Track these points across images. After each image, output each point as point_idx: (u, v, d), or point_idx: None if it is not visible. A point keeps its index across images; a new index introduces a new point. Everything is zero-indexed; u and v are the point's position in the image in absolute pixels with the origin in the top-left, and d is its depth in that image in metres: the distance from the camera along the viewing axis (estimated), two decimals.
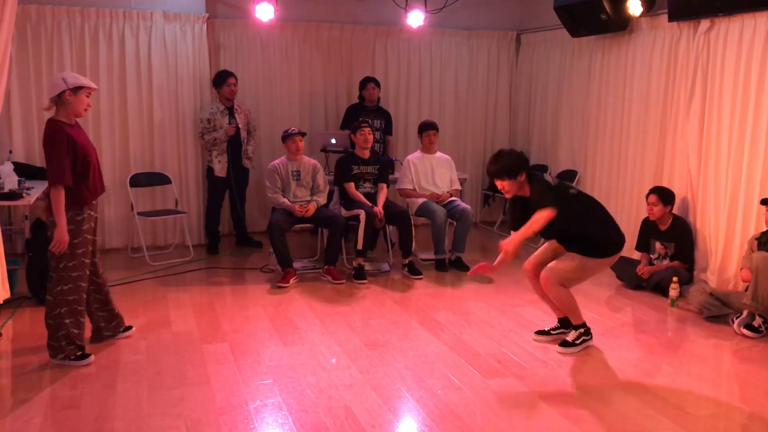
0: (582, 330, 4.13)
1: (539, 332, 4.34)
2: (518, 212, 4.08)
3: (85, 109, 3.67)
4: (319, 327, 4.47)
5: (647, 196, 5.37)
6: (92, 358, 3.80)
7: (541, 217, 3.77)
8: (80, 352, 3.78)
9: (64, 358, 3.73)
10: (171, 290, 5.22)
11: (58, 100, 3.58)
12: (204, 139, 6.22)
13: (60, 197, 3.55)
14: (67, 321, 3.71)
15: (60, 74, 3.68)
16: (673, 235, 5.31)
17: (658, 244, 5.38)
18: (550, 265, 4.09)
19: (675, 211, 5.46)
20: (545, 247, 4.27)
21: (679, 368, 3.88)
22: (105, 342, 4.13)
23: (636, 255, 5.70)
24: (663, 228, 5.34)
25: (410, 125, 7.50)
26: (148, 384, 3.56)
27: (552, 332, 4.31)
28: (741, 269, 4.69)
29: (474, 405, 3.38)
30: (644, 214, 5.61)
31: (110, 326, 4.13)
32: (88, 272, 3.80)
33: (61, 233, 3.58)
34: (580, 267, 4.00)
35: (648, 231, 5.47)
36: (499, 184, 3.95)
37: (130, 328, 4.25)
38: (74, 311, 3.74)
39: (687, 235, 5.32)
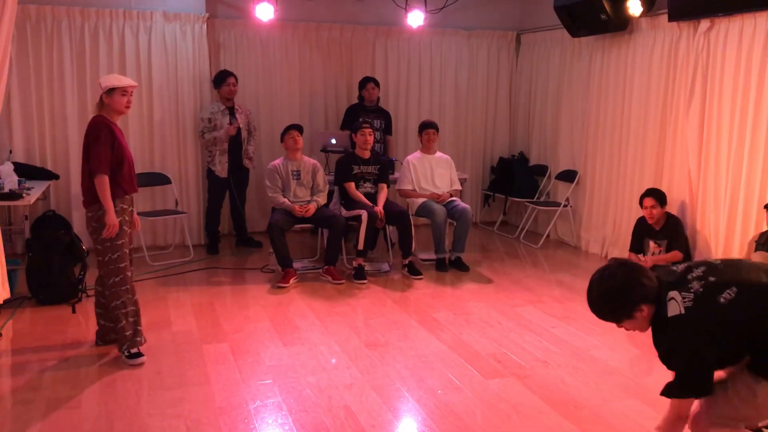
0: None
1: None
2: None
3: (127, 107, 3.78)
4: (319, 327, 4.47)
5: (641, 200, 5.36)
6: (143, 359, 3.83)
7: (674, 426, 2.44)
8: (135, 349, 3.84)
9: (126, 350, 3.81)
10: (171, 290, 5.22)
11: (100, 102, 3.75)
12: (204, 138, 6.22)
13: (104, 184, 3.66)
14: (124, 311, 3.81)
15: (104, 77, 3.81)
16: (667, 232, 5.32)
17: (652, 243, 5.37)
18: (703, 408, 2.47)
19: (675, 211, 5.46)
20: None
21: None
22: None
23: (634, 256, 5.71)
24: (658, 228, 5.34)
25: (410, 125, 7.50)
26: (148, 384, 3.56)
27: None
28: None
29: (474, 405, 3.38)
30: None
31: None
32: (130, 264, 3.89)
33: (111, 217, 3.67)
34: (744, 399, 2.36)
35: (642, 232, 5.45)
36: (623, 327, 2.49)
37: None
38: (127, 301, 3.83)
39: (680, 229, 5.35)
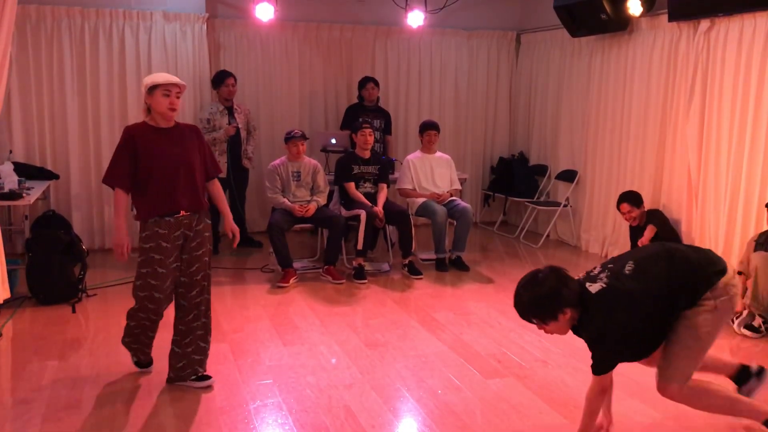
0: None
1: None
2: None
3: (171, 109, 3.29)
4: (319, 327, 4.47)
5: (618, 206, 5.43)
6: (151, 368, 3.68)
7: (596, 398, 2.80)
8: (136, 359, 3.67)
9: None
10: None
11: (146, 105, 3.33)
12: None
13: (116, 200, 3.34)
14: (137, 332, 3.51)
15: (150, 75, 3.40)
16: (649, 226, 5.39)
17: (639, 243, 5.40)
18: (660, 373, 2.87)
19: (675, 210, 5.46)
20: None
21: None
22: (103, 342, 4.13)
23: None
24: (640, 226, 5.40)
25: (410, 125, 7.50)
26: (148, 384, 3.56)
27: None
28: (737, 273, 4.68)
29: (474, 405, 3.38)
30: None
31: (177, 367, 3.54)
32: (158, 295, 3.35)
33: (117, 236, 3.34)
34: (683, 334, 2.79)
35: (634, 237, 5.53)
36: (544, 329, 2.79)
37: (206, 377, 3.56)
38: (145, 327, 3.49)
39: (663, 220, 5.43)
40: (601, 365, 2.73)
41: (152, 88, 3.24)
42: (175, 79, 3.29)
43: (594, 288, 2.73)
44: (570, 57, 6.96)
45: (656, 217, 5.43)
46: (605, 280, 2.75)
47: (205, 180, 3.50)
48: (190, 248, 3.42)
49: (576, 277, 2.81)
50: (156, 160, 3.27)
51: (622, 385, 3.64)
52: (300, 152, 5.71)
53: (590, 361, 2.75)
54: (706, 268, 2.79)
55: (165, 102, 3.25)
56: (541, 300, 2.68)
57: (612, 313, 2.67)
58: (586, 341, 2.77)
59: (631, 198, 5.41)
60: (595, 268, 2.89)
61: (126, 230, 3.37)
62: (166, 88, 3.24)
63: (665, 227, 5.39)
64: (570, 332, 2.83)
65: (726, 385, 3.06)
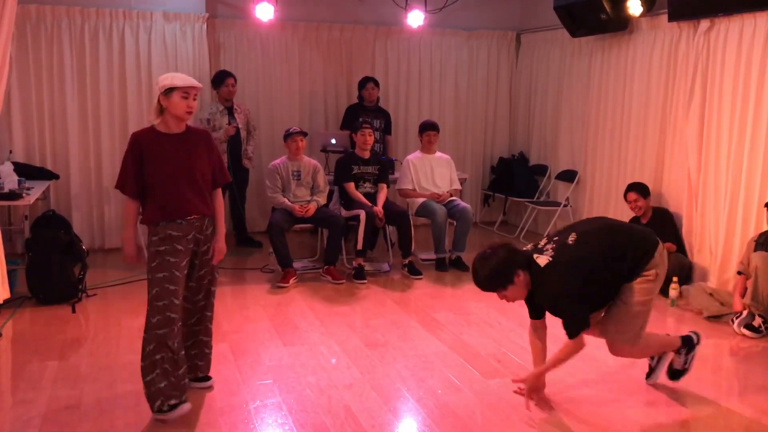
0: (685, 349, 3.52)
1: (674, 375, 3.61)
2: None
3: (188, 112, 3.15)
4: (319, 327, 4.47)
5: (625, 195, 5.43)
6: (188, 406, 3.17)
7: (572, 346, 3.18)
8: (175, 402, 3.13)
9: (158, 409, 3.11)
10: None
11: (159, 106, 3.15)
12: None
13: (125, 207, 3.23)
14: (158, 357, 3.10)
15: (163, 75, 3.21)
16: (655, 225, 5.31)
17: None
18: (608, 337, 3.32)
19: (675, 211, 5.46)
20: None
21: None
22: (103, 342, 4.13)
23: None
24: (645, 221, 5.38)
25: (410, 125, 7.50)
26: None
27: (686, 366, 3.57)
28: (737, 272, 4.69)
29: (474, 405, 3.38)
30: None
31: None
32: (177, 302, 3.16)
33: (126, 247, 3.26)
34: (626, 302, 3.20)
35: None
36: (500, 297, 3.23)
37: (206, 378, 3.54)
38: (164, 347, 3.11)
39: (667, 219, 5.42)
40: (572, 326, 3.10)
41: (170, 90, 3.09)
42: (194, 81, 3.16)
43: (542, 261, 3.10)
44: (570, 57, 6.96)
45: (664, 216, 5.39)
46: (551, 252, 3.11)
47: (211, 187, 3.35)
48: (201, 252, 3.30)
49: (524, 249, 3.26)
50: (162, 167, 3.15)
51: (623, 384, 3.64)
52: (299, 148, 5.70)
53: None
54: (644, 243, 3.20)
55: (183, 105, 3.12)
56: (497, 268, 3.08)
57: (560, 283, 3.06)
58: (548, 310, 3.22)
59: (639, 188, 5.40)
60: (541, 241, 3.26)
61: (134, 242, 3.29)
62: (185, 91, 3.11)
63: (671, 227, 5.36)
64: (569, 332, 3.13)
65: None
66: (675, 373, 3.55)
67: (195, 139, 3.26)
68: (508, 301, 3.21)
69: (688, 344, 3.51)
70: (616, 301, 3.22)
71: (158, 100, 3.13)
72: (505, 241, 3.15)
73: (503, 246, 3.17)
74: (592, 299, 3.19)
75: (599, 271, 3.11)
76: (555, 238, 3.22)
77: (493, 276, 3.10)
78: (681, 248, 5.43)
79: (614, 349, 3.32)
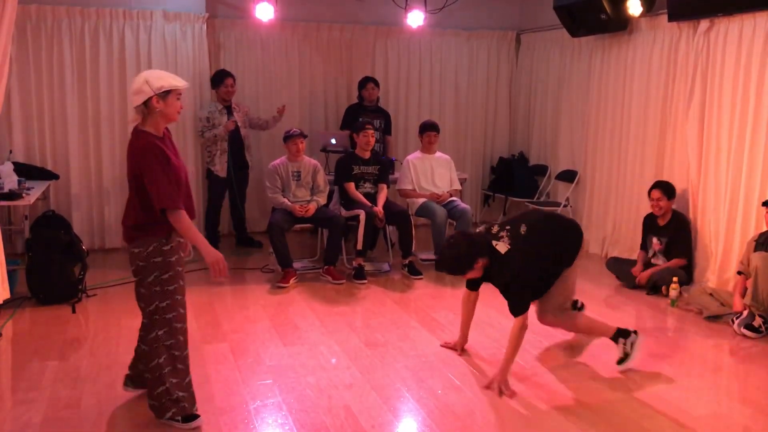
0: (621, 337, 3.81)
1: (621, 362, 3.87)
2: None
3: (179, 113, 3.08)
4: (319, 327, 4.47)
5: (650, 191, 5.35)
6: (201, 420, 3.13)
7: (520, 326, 3.52)
8: (188, 413, 3.10)
9: (170, 418, 3.09)
10: None
11: (145, 108, 2.96)
12: (204, 137, 6.21)
13: (182, 220, 2.95)
14: (167, 370, 3.05)
15: (141, 76, 2.97)
16: (670, 229, 5.31)
17: (655, 240, 5.37)
18: (541, 308, 3.85)
19: (676, 209, 5.46)
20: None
21: (679, 368, 3.88)
22: (103, 342, 4.13)
23: (635, 255, 5.71)
24: (662, 223, 5.34)
25: (410, 125, 7.50)
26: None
27: (625, 358, 3.84)
28: (737, 272, 4.69)
29: (474, 405, 3.38)
30: (644, 214, 5.60)
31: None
32: (183, 311, 3.12)
33: (210, 253, 2.99)
34: (563, 286, 3.80)
35: (647, 228, 5.46)
36: (464, 276, 3.73)
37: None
38: (174, 358, 3.07)
39: (685, 229, 5.33)
40: (517, 308, 3.55)
41: (168, 93, 2.96)
42: (186, 83, 3.07)
43: (501, 248, 3.57)
44: (570, 57, 6.96)
45: (682, 224, 5.31)
46: (508, 241, 3.60)
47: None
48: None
49: (477, 230, 3.77)
50: (176, 173, 3.01)
51: (623, 384, 3.64)
52: (299, 150, 5.70)
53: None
54: (578, 234, 3.85)
55: (178, 106, 3.03)
56: (460, 257, 3.55)
57: (516, 270, 3.52)
58: (498, 288, 3.63)
59: (665, 187, 5.29)
60: (493, 226, 3.73)
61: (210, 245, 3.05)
62: (179, 92, 3.01)
63: (684, 236, 5.29)
64: (514, 312, 3.57)
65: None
66: (620, 360, 3.81)
67: (171, 141, 3.18)
68: (470, 277, 3.76)
69: (623, 333, 3.82)
70: (556, 281, 3.77)
71: (145, 102, 2.94)
72: (462, 230, 3.80)
73: (464, 236, 3.66)
74: (537, 287, 3.73)
75: (547, 261, 3.69)
76: (507, 227, 3.68)
77: (456, 266, 3.60)
78: (690, 261, 5.34)
79: (542, 318, 3.85)
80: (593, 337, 4.06)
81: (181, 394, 3.08)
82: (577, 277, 3.93)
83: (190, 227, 2.97)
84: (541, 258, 3.65)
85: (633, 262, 5.53)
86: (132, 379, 3.39)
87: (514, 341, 3.54)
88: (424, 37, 7.46)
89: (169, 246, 3.02)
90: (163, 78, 2.97)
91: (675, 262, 5.25)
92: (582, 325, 3.94)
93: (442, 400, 3.42)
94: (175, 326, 3.07)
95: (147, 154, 2.93)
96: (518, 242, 3.59)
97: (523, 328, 3.54)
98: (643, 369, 3.84)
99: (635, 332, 3.84)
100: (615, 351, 3.84)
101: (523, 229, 3.65)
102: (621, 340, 3.82)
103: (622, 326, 3.88)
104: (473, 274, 3.66)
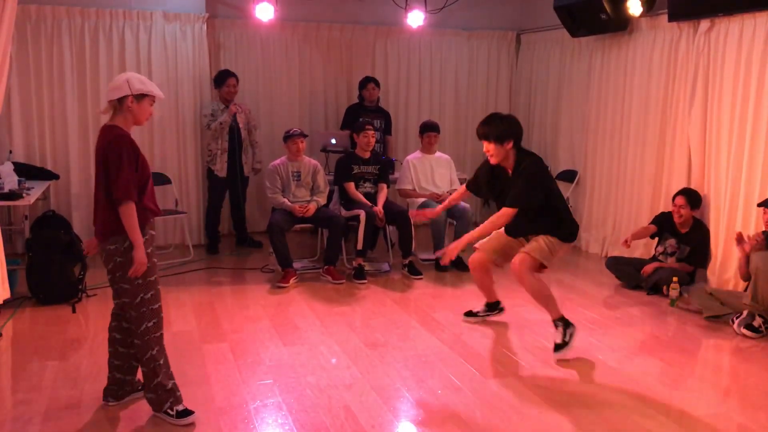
0: (563, 324, 3.99)
1: (468, 313, 4.63)
2: (496, 183, 4.17)
3: (147, 119, 3.18)
4: (319, 327, 4.47)
5: (674, 198, 5.29)
6: (194, 416, 3.16)
7: (506, 215, 3.92)
8: (181, 406, 3.16)
9: (167, 410, 3.14)
10: (171, 290, 5.22)
11: (118, 104, 3.05)
12: (211, 129, 6.18)
13: (132, 213, 2.99)
14: (161, 362, 3.14)
15: (124, 75, 3.08)
16: (692, 238, 5.22)
17: (673, 241, 5.32)
18: (522, 251, 4.01)
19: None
20: (494, 239, 4.26)
21: (679, 368, 3.88)
22: (103, 342, 4.12)
23: (636, 254, 5.71)
24: (684, 231, 5.27)
25: (410, 125, 7.50)
26: None
27: (480, 314, 4.60)
28: (739, 269, 4.69)
29: (474, 405, 3.38)
30: (644, 215, 5.61)
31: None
32: (160, 302, 3.20)
33: (141, 254, 3.00)
34: (551, 248, 3.99)
35: (666, 224, 5.35)
36: (485, 146, 4.01)
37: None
38: (162, 348, 3.17)
39: (705, 240, 5.25)
40: (518, 198, 3.87)
41: (144, 97, 3.07)
42: (162, 95, 3.20)
43: (530, 151, 4.04)
44: (570, 57, 6.96)
45: (703, 234, 5.25)
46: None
47: None
48: None
49: None
50: (147, 166, 3.17)
51: (623, 384, 3.64)
52: (300, 150, 5.71)
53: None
54: (575, 226, 4.16)
55: (149, 111, 3.14)
56: (509, 120, 3.94)
57: (539, 168, 3.95)
58: (513, 182, 3.92)
59: (690, 195, 5.21)
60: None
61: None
62: (154, 99, 3.13)
63: (702, 245, 5.24)
64: (510, 203, 3.89)
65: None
66: (556, 346, 3.95)
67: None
68: (487, 153, 4.02)
69: (564, 322, 3.98)
70: (537, 238, 4.00)
71: (123, 102, 3.03)
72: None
73: (516, 119, 4.02)
74: (541, 204, 3.95)
75: (555, 196, 4.00)
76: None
77: (499, 123, 3.92)
78: (701, 267, 5.29)
79: (518, 264, 3.95)
80: (543, 309, 4.10)
81: (171, 382, 3.18)
82: (553, 256, 4.05)
83: (134, 223, 3.01)
84: (554, 192, 4.00)
85: (632, 262, 5.53)
86: (112, 394, 3.33)
87: (489, 225, 3.88)
88: (424, 37, 7.46)
89: (144, 238, 3.08)
90: (144, 83, 3.08)
91: (683, 266, 5.22)
92: (543, 293, 4.03)
93: (442, 400, 3.42)
94: (161, 317, 3.18)
95: (119, 143, 3.02)
96: (549, 174, 4.16)
97: (506, 219, 3.89)
98: (643, 369, 3.85)
99: (574, 326, 4.01)
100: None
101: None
102: (562, 326, 3.97)
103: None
104: (497, 154, 3.95)
